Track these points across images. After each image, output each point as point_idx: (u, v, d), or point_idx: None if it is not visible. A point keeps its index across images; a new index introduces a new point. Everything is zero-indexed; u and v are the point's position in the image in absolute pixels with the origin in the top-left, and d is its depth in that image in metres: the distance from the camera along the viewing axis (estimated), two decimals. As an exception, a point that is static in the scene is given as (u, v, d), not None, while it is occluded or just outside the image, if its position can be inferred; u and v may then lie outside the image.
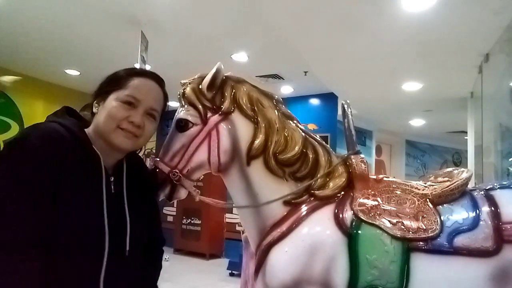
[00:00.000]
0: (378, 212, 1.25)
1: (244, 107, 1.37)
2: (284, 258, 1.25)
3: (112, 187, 1.11)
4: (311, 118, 6.48)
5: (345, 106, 1.46)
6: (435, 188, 1.31)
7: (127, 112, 1.09)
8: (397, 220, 1.23)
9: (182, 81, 1.43)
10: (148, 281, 1.25)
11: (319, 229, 1.27)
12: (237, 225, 6.39)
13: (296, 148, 1.35)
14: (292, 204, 1.34)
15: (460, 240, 1.18)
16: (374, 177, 1.38)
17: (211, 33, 4.32)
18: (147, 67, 4.01)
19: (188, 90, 1.37)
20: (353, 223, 1.24)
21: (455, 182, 1.29)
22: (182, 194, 1.36)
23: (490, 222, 1.19)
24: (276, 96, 1.44)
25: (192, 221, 7.23)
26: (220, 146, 1.34)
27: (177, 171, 1.32)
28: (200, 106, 1.35)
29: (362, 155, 1.40)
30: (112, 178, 1.13)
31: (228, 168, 1.38)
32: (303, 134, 1.40)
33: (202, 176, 1.49)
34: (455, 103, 6.06)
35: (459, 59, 4.44)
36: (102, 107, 1.11)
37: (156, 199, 1.35)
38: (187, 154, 1.33)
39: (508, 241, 1.16)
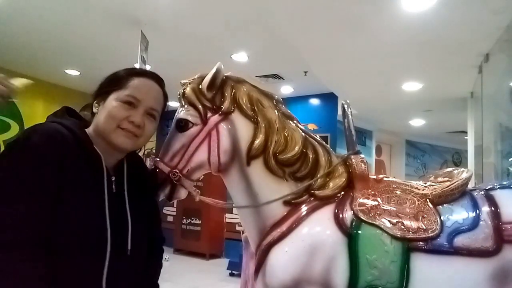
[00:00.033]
0: (378, 212, 1.25)
1: (244, 107, 1.37)
2: (284, 258, 1.25)
3: (114, 186, 1.12)
4: (311, 118, 6.48)
5: (345, 106, 1.46)
6: (435, 188, 1.31)
7: (127, 112, 1.10)
8: (397, 220, 1.23)
9: (182, 81, 1.43)
10: (149, 279, 1.26)
11: (319, 229, 1.27)
12: (237, 225, 6.40)
13: (296, 148, 1.35)
14: (292, 204, 1.34)
15: (460, 240, 1.18)
16: (374, 177, 1.38)
17: (211, 33, 4.32)
18: (147, 67, 4.02)
19: (188, 90, 1.37)
20: (353, 223, 1.24)
21: (455, 182, 1.29)
22: (182, 194, 1.36)
23: (490, 222, 1.19)
24: (276, 96, 1.44)
25: (192, 221, 7.23)
26: (220, 146, 1.34)
27: (177, 171, 1.32)
28: (200, 106, 1.35)
29: (362, 155, 1.40)
30: (113, 177, 1.13)
31: (228, 168, 1.38)
32: (303, 134, 1.40)
33: (202, 176, 1.49)
34: (455, 103, 6.06)
35: (459, 59, 4.44)
36: (102, 107, 1.12)
37: (156, 199, 1.35)
38: (187, 154, 1.33)
39: (508, 241, 1.16)
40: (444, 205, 1.27)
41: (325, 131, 6.28)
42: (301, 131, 1.41)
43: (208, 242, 7.02)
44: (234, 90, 1.39)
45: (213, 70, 1.34)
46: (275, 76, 5.77)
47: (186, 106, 1.37)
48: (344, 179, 1.36)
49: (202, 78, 1.38)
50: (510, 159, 3.69)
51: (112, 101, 1.10)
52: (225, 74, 1.39)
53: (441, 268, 1.17)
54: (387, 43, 4.12)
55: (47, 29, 4.52)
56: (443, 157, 10.79)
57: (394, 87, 5.67)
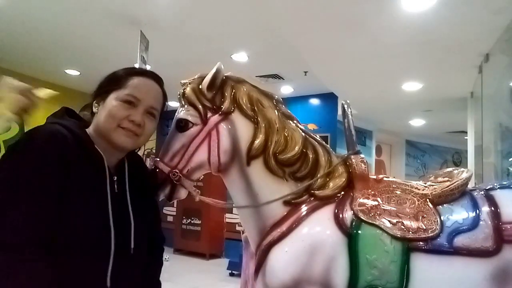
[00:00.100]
0: (378, 212, 1.25)
1: (244, 107, 1.37)
2: (284, 258, 1.25)
3: (115, 186, 1.12)
4: (311, 118, 6.48)
5: (345, 106, 1.46)
6: (435, 188, 1.31)
7: (127, 111, 1.10)
8: (397, 220, 1.23)
9: (182, 81, 1.43)
10: (151, 278, 1.27)
11: (319, 229, 1.27)
12: (237, 225, 6.39)
13: (296, 148, 1.35)
14: (292, 204, 1.34)
15: (460, 240, 1.18)
16: (374, 177, 1.38)
17: (211, 33, 4.32)
18: (147, 67, 4.02)
19: (188, 90, 1.37)
20: (353, 223, 1.24)
21: (455, 182, 1.29)
22: (182, 194, 1.36)
23: (490, 222, 1.19)
24: (276, 96, 1.44)
25: (192, 221, 7.23)
26: (220, 146, 1.34)
27: (177, 171, 1.32)
28: (200, 106, 1.35)
29: (362, 155, 1.40)
30: (115, 177, 1.13)
31: (228, 168, 1.38)
32: (303, 134, 1.40)
33: (202, 176, 1.49)
34: (455, 103, 6.06)
35: (459, 59, 4.44)
36: (102, 106, 1.12)
37: (156, 198, 1.36)
38: (187, 154, 1.33)
39: (508, 241, 1.16)
40: (444, 205, 1.27)
41: (325, 131, 6.28)
42: (301, 131, 1.41)
43: (208, 242, 7.02)
44: (234, 90, 1.39)
45: (213, 70, 1.34)
46: (275, 76, 5.77)
47: (186, 106, 1.37)
48: (344, 179, 1.36)
49: (202, 78, 1.38)
50: (510, 159, 3.68)
51: (112, 101, 1.10)
52: (225, 74, 1.39)
53: (441, 268, 1.17)
54: (387, 43, 4.12)
55: (47, 29, 4.52)
56: (443, 157, 10.79)
57: (394, 87, 5.67)
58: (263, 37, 4.37)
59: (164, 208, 7.63)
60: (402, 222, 1.22)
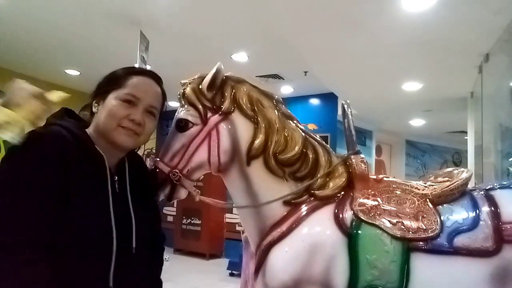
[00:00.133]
0: (378, 212, 1.25)
1: (244, 107, 1.37)
2: (284, 258, 1.25)
3: (116, 186, 1.13)
4: (311, 118, 6.48)
5: (345, 106, 1.46)
6: (435, 188, 1.31)
7: (127, 111, 1.11)
8: (397, 220, 1.23)
9: (182, 81, 1.43)
10: (152, 276, 1.28)
11: (319, 229, 1.27)
12: (237, 225, 6.39)
13: (296, 148, 1.35)
14: (292, 204, 1.34)
15: (460, 240, 1.18)
16: (374, 177, 1.38)
17: (211, 33, 4.32)
18: (148, 67, 4.02)
19: (188, 90, 1.37)
20: (353, 223, 1.24)
21: (455, 182, 1.29)
22: (182, 194, 1.36)
23: (490, 222, 1.19)
24: (276, 96, 1.44)
25: (192, 221, 7.23)
26: (220, 146, 1.34)
27: (177, 171, 1.32)
28: (200, 106, 1.35)
29: (362, 155, 1.40)
30: (116, 177, 1.14)
31: (228, 168, 1.38)
32: (303, 134, 1.40)
33: (202, 176, 1.49)
34: (455, 103, 6.06)
35: (459, 59, 4.44)
36: (102, 106, 1.12)
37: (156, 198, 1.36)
38: (187, 154, 1.33)
39: (508, 241, 1.16)
40: (444, 205, 1.27)
41: (325, 131, 6.28)
42: (301, 131, 1.41)
43: (208, 242, 7.02)
44: (234, 90, 1.39)
45: (213, 70, 1.34)
46: (275, 76, 5.77)
47: (186, 106, 1.37)
48: (344, 179, 1.36)
49: (202, 78, 1.38)
50: (510, 159, 3.68)
51: (112, 100, 1.11)
52: (225, 74, 1.39)
53: (441, 268, 1.17)
54: (387, 43, 4.12)
55: (47, 29, 4.52)
56: (443, 157, 10.79)
57: (394, 87, 5.67)
58: (263, 37, 4.37)
59: (164, 208, 7.63)
60: (402, 222, 1.22)
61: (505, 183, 1.37)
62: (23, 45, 5.13)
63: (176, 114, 1.38)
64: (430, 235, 1.19)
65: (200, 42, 4.57)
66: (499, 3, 3.13)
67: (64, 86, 6.77)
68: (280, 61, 5.18)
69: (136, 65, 3.99)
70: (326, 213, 1.28)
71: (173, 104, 1.40)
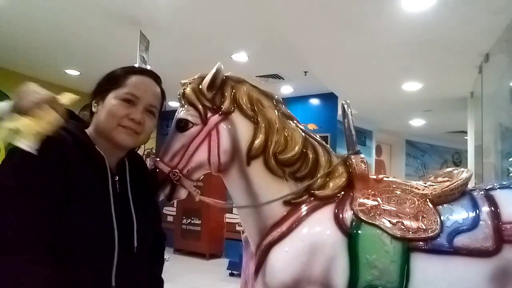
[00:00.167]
0: (378, 212, 1.25)
1: (244, 107, 1.37)
2: (284, 258, 1.25)
3: (117, 186, 1.13)
4: (311, 118, 6.48)
5: (345, 106, 1.46)
6: (435, 188, 1.31)
7: (127, 110, 1.11)
8: (397, 220, 1.23)
9: (182, 81, 1.43)
10: (154, 275, 1.29)
11: (319, 229, 1.27)
12: (237, 225, 6.39)
13: (296, 148, 1.35)
14: (292, 204, 1.34)
15: (460, 240, 1.18)
16: (374, 177, 1.38)
17: (211, 33, 4.32)
18: (148, 67, 4.02)
19: (188, 90, 1.37)
20: (353, 223, 1.24)
21: (455, 182, 1.29)
22: (182, 194, 1.36)
23: (490, 222, 1.19)
24: (276, 96, 1.44)
25: (192, 221, 7.23)
26: (220, 146, 1.34)
27: (177, 171, 1.32)
28: (200, 106, 1.35)
29: (362, 155, 1.40)
30: (117, 177, 1.14)
31: (228, 168, 1.38)
32: (303, 134, 1.40)
33: (202, 176, 1.49)
34: (455, 103, 6.06)
35: (459, 59, 4.44)
36: (102, 106, 1.13)
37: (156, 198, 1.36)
38: (187, 154, 1.33)
39: (508, 241, 1.16)
40: (444, 205, 1.27)
41: (325, 131, 6.28)
42: (301, 131, 1.41)
43: (208, 242, 7.02)
44: (234, 90, 1.39)
45: (213, 70, 1.34)
46: (275, 76, 5.77)
47: (186, 106, 1.37)
48: (344, 179, 1.36)
49: (202, 78, 1.38)
50: (510, 159, 3.68)
51: (112, 100, 1.11)
52: (225, 74, 1.39)
53: (441, 268, 1.17)
54: (387, 43, 4.12)
55: (47, 29, 4.52)
56: (443, 157, 10.79)
57: (394, 87, 5.67)
58: (263, 37, 4.37)
59: (164, 208, 7.63)
60: (402, 222, 1.22)
61: (505, 183, 1.37)
62: (23, 45, 5.13)
63: (176, 114, 1.38)
64: (430, 235, 1.19)
65: (200, 42, 4.57)
66: (499, 3, 3.13)
67: (64, 86, 6.77)
68: (280, 61, 5.18)
69: (136, 65, 3.99)
70: (326, 213, 1.28)
71: (173, 104, 1.40)
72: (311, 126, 6.41)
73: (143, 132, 1.14)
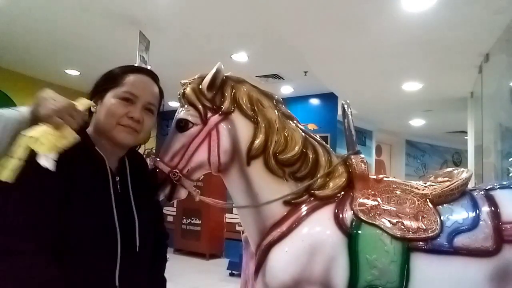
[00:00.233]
0: (378, 212, 1.25)
1: (244, 107, 1.37)
2: (284, 258, 1.25)
3: (118, 187, 1.13)
4: (311, 118, 6.48)
5: (345, 106, 1.46)
6: (435, 188, 1.31)
7: (126, 109, 1.11)
8: (397, 220, 1.23)
9: (182, 81, 1.43)
10: (156, 274, 1.29)
11: (319, 229, 1.27)
12: (237, 225, 6.39)
13: (296, 148, 1.35)
14: (292, 204, 1.34)
15: (460, 240, 1.18)
16: (374, 177, 1.38)
17: (211, 33, 4.32)
18: (148, 67, 4.01)
19: (188, 90, 1.37)
20: (353, 223, 1.24)
21: (455, 182, 1.29)
22: (182, 194, 1.36)
23: (490, 222, 1.19)
24: (276, 96, 1.44)
25: (192, 221, 7.23)
26: (220, 146, 1.34)
27: (177, 171, 1.32)
28: (200, 106, 1.35)
29: (362, 155, 1.40)
30: (117, 178, 1.14)
31: (228, 168, 1.38)
32: (303, 134, 1.40)
33: (202, 176, 1.49)
34: (455, 103, 6.06)
35: (459, 59, 4.44)
36: (101, 105, 1.13)
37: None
38: (187, 154, 1.33)
39: (508, 241, 1.16)
40: (444, 205, 1.27)
41: (325, 131, 6.28)
42: (301, 131, 1.41)
43: (208, 242, 7.02)
44: (234, 90, 1.39)
45: (213, 70, 1.34)
46: (275, 76, 5.77)
47: (186, 106, 1.37)
48: (344, 179, 1.36)
49: (202, 78, 1.38)
50: (510, 159, 3.68)
51: (110, 99, 1.12)
52: (225, 74, 1.39)
53: (441, 268, 1.17)
54: (387, 43, 4.12)
55: (47, 29, 4.52)
56: (443, 157, 10.79)
57: (394, 87, 5.67)
58: (263, 37, 4.37)
59: (164, 208, 7.60)
60: (402, 222, 1.22)
61: (505, 183, 1.37)
62: (23, 45, 5.13)
63: (176, 114, 1.38)
64: (430, 235, 1.19)
65: (200, 42, 4.57)
66: (499, 3, 3.13)
67: (64, 86, 6.78)
68: (280, 61, 5.18)
69: (136, 65, 3.99)
70: (326, 213, 1.28)
71: (173, 104, 1.40)
72: (311, 126, 6.41)
73: (142, 130, 1.15)
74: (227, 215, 6.94)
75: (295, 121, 1.43)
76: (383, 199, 1.30)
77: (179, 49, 4.86)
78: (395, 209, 1.26)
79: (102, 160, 1.10)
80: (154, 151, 7.67)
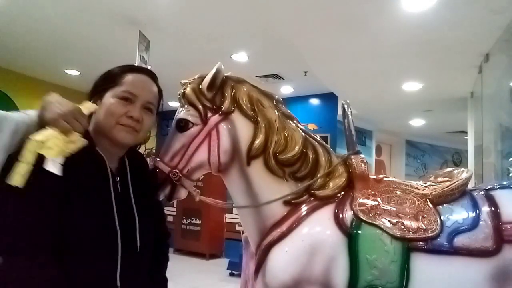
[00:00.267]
0: (378, 212, 1.25)
1: (244, 107, 1.37)
2: (284, 258, 1.25)
3: (119, 187, 1.13)
4: (311, 118, 6.48)
5: (345, 106, 1.46)
6: (435, 188, 1.31)
7: (125, 108, 1.12)
8: (397, 220, 1.23)
9: (182, 81, 1.43)
10: (157, 274, 1.29)
11: (319, 229, 1.27)
12: (237, 225, 6.39)
13: (296, 148, 1.35)
14: (292, 204, 1.34)
15: (460, 240, 1.18)
16: (374, 177, 1.38)
17: (211, 33, 4.32)
18: (148, 67, 4.01)
19: (188, 90, 1.37)
20: (353, 223, 1.24)
21: (455, 182, 1.29)
22: (182, 194, 1.37)
23: (490, 222, 1.19)
24: (276, 96, 1.44)
25: (192, 221, 7.23)
26: (220, 146, 1.34)
27: (177, 171, 1.32)
28: (200, 106, 1.35)
29: (362, 155, 1.40)
30: (118, 178, 1.15)
31: (228, 168, 1.39)
32: (303, 134, 1.40)
33: (202, 176, 1.49)
34: (455, 103, 6.06)
35: (459, 59, 4.44)
36: (100, 105, 1.13)
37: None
38: (187, 154, 1.33)
39: (508, 241, 1.16)
40: (444, 205, 1.27)
41: (325, 131, 6.28)
42: (301, 131, 1.41)
43: (208, 242, 7.02)
44: (234, 90, 1.39)
45: (213, 70, 1.34)
46: (275, 76, 5.77)
47: (186, 106, 1.37)
48: (344, 179, 1.36)
49: (202, 78, 1.38)
50: (510, 159, 3.68)
51: (110, 99, 1.12)
52: (225, 74, 1.39)
53: (441, 268, 1.17)
54: (387, 43, 4.12)
55: (47, 30, 4.52)
56: (443, 157, 10.79)
57: (394, 87, 5.67)
58: (263, 37, 4.37)
59: (164, 208, 7.61)
60: (402, 222, 1.22)
61: (505, 183, 1.37)
62: (24, 45, 5.13)
63: (176, 114, 1.39)
64: (430, 235, 1.19)
65: (200, 42, 4.57)
66: (499, 3, 3.13)
67: (64, 86, 6.78)
68: (280, 61, 5.18)
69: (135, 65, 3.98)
70: (326, 213, 1.28)
71: (173, 104, 1.40)
72: (311, 126, 6.41)
73: (142, 129, 1.15)
74: (227, 215, 6.93)
75: (295, 121, 1.43)
76: (383, 199, 1.30)
77: (179, 49, 4.85)
78: (395, 209, 1.26)
79: (103, 160, 1.10)
80: (154, 151, 7.68)
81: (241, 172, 1.37)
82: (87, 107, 1.10)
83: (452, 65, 4.68)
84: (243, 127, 1.36)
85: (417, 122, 8.15)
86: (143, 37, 4.18)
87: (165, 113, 1.27)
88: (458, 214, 1.24)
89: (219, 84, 1.37)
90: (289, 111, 1.44)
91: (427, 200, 1.28)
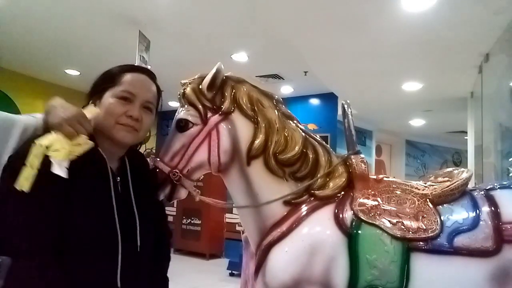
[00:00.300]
0: (378, 212, 1.25)
1: (244, 107, 1.37)
2: (284, 258, 1.25)
3: (119, 187, 1.13)
4: (311, 118, 6.48)
5: (345, 106, 1.46)
6: (435, 188, 1.31)
7: (124, 107, 1.12)
8: (397, 220, 1.23)
9: (182, 81, 1.43)
10: (158, 273, 1.29)
11: (319, 229, 1.26)
12: (237, 225, 6.38)
13: (296, 148, 1.35)
14: (292, 204, 1.34)
15: (460, 240, 1.18)
16: (374, 177, 1.38)
17: (211, 33, 4.32)
18: (148, 67, 4.01)
19: (188, 90, 1.37)
20: (353, 223, 1.23)
21: (455, 182, 1.29)
22: (182, 194, 1.36)
23: (490, 222, 1.19)
24: (276, 96, 1.44)
25: (192, 221, 7.23)
26: (220, 146, 1.34)
27: (177, 171, 1.32)
28: (200, 106, 1.35)
29: (362, 155, 1.40)
30: (118, 178, 1.15)
31: (228, 168, 1.38)
32: (303, 134, 1.40)
33: (202, 176, 1.49)
34: (455, 103, 6.06)
35: (459, 59, 4.44)
36: (99, 105, 1.13)
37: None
38: (187, 154, 1.33)
39: (508, 241, 1.16)
40: (444, 205, 1.27)
41: (325, 131, 6.28)
42: (301, 131, 1.41)
43: (208, 242, 7.02)
44: (234, 90, 1.39)
45: (213, 70, 1.34)
46: (275, 76, 5.77)
47: (186, 106, 1.37)
48: (344, 179, 1.36)
49: (202, 78, 1.38)
50: (510, 159, 3.68)
51: (109, 98, 1.12)
52: (225, 74, 1.39)
53: (441, 268, 1.17)
54: (387, 43, 4.12)
55: (47, 29, 4.52)
56: (443, 157, 10.79)
57: (394, 87, 5.67)
58: (263, 37, 4.37)
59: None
60: (402, 222, 1.22)
61: (505, 183, 1.37)
62: (24, 45, 5.13)
63: (176, 114, 1.38)
64: (430, 235, 1.19)
65: (200, 42, 4.57)
66: (499, 3, 3.13)
67: (64, 86, 6.79)
68: (280, 61, 5.18)
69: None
70: (326, 213, 1.28)
71: (173, 104, 1.40)
72: (311, 126, 6.41)
73: (141, 129, 1.15)
74: (227, 215, 6.92)
75: (295, 121, 1.43)
76: (383, 199, 1.30)
77: (179, 49, 4.86)
78: (395, 209, 1.26)
79: (103, 160, 1.10)
80: (154, 150, 7.67)
81: (241, 172, 1.37)
82: (90, 111, 1.10)
83: (452, 65, 4.68)
84: (243, 127, 1.36)
85: (417, 122, 8.16)
86: (143, 37, 4.18)
87: (165, 113, 1.27)
88: (458, 214, 1.24)
89: (219, 84, 1.36)
90: (289, 111, 1.44)
91: (427, 200, 1.28)
